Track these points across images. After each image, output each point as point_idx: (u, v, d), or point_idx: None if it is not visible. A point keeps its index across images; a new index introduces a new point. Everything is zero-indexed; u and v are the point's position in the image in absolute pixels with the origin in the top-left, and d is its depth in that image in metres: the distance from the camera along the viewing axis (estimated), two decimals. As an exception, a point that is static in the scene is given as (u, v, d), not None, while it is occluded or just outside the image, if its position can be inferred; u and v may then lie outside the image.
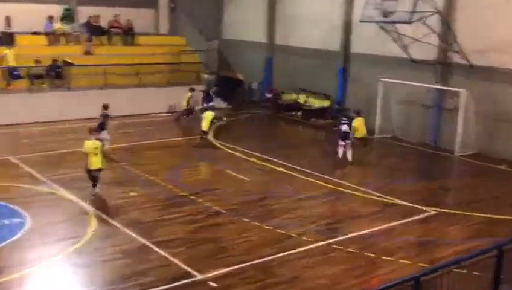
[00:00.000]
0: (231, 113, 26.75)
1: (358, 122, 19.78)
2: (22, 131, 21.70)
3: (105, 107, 18.95)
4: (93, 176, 14.52)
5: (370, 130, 22.60)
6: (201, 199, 14.74)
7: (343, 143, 19.02)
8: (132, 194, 14.98)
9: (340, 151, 19.05)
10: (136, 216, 13.49)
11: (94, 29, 27.15)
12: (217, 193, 15.42)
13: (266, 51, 29.09)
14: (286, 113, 27.04)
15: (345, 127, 18.99)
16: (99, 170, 14.58)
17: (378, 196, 15.55)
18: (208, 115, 20.80)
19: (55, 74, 24.57)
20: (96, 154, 14.39)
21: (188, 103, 24.13)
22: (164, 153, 19.38)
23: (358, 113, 20.00)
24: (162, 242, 12.02)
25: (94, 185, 14.61)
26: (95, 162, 14.41)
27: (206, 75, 27.38)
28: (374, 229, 13.19)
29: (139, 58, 26.89)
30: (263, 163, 18.48)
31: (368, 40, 23.96)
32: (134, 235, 12.35)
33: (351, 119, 19.44)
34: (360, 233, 12.92)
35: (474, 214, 14.42)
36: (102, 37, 27.69)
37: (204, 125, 20.69)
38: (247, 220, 13.45)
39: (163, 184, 15.77)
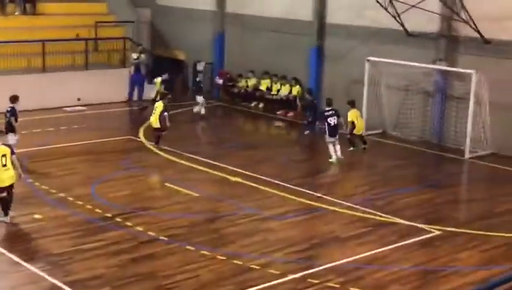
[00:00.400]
0: (169, 105, 26.59)
1: (355, 115, 20.57)
2: None
3: (14, 99, 18.30)
4: (4, 197, 14.17)
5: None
6: (131, 222, 14.61)
7: (332, 140, 19.51)
8: (37, 217, 14.74)
9: (332, 150, 19.56)
10: (43, 247, 13.28)
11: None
12: (153, 213, 15.31)
13: (215, 22, 29.10)
14: (243, 104, 27.11)
15: (333, 120, 19.58)
16: (11, 187, 14.26)
17: (367, 213, 15.72)
18: (159, 106, 20.68)
19: None
20: (4, 165, 14.04)
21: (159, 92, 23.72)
22: (81, 161, 19.16)
23: (353, 104, 20.69)
24: (78, 282, 11.86)
25: (6, 212, 14.23)
26: (5, 178, 14.05)
27: (135, 55, 27.20)
28: (361, 256, 13.28)
29: (44, 33, 26.53)
30: (214, 172, 18.47)
31: (350, 7, 24.24)
32: (40, 273, 12.12)
33: (337, 111, 19.97)
34: (344, 262, 12.99)
35: (491, 233, 14.73)
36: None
37: (153, 120, 20.59)
38: (192, 248, 13.39)
39: (79, 203, 15.59)
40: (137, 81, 27.11)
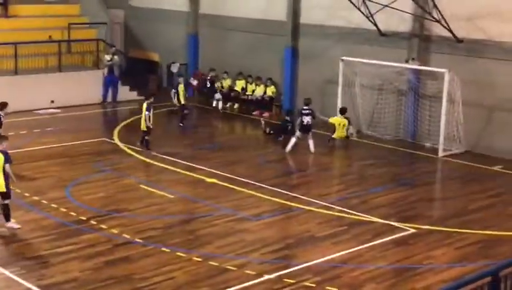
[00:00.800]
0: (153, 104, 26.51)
1: (338, 121, 21.62)
2: None
3: (3, 106, 18.61)
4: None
5: (330, 125, 22.98)
6: (106, 225, 14.55)
7: (302, 137, 20.27)
8: (11, 221, 14.61)
9: (293, 143, 20.33)
10: (17, 251, 13.18)
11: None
12: (127, 215, 15.25)
13: (189, 23, 29.05)
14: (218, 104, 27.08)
15: (307, 119, 20.39)
16: (3, 195, 14.03)
17: (342, 212, 15.81)
18: (143, 107, 20.49)
19: None
20: None
21: (181, 94, 23.80)
22: (55, 164, 19.02)
23: (343, 112, 21.80)
24: (53, 285, 11.78)
25: (7, 218, 14.06)
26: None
27: (108, 57, 27.08)
28: (336, 255, 13.36)
29: (16, 35, 26.30)
30: (189, 173, 18.44)
31: (324, 8, 24.36)
32: (14, 276, 12.03)
33: (313, 111, 20.71)
34: (319, 261, 13.06)
35: (464, 230, 14.88)
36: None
37: (142, 122, 20.45)
38: (168, 250, 13.36)
39: (53, 206, 15.48)
40: (111, 82, 27.05)
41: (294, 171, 19.56)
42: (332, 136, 21.84)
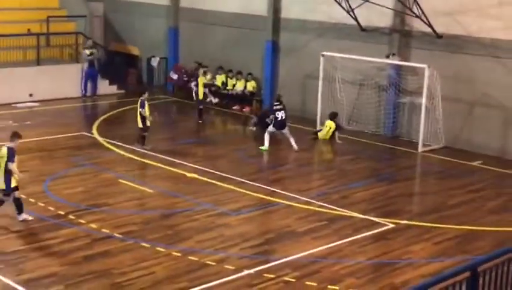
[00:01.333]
0: (123, 101, 26.46)
1: (329, 125, 21.78)
2: None
3: None
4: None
5: (310, 120, 23.10)
6: (85, 219, 14.50)
7: (277, 132, 20.32)
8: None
9: (268, 139, 20.28)
10: (-6, 246, 13.11)
11: None
12: (106, 210, 15.21)
13: (169, 16, 28.95)
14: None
15: (281, 114, 20.31)
16: (3, 192, 14.02)
17: (322, 207, 15.88)
18: (138, 104, 20.09)
19: None
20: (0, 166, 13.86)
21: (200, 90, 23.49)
22: (33, 158, 18.87)
23: (333, 116, 21.84)
24: (32, 281, 11.73)
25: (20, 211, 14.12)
26: None
27: (88, 51, 26.92)
28: (316, 250, 13.42)
29: (-7, 28, 26.12)
30: (169, 168, 18.42)
31: (305, 2, 24.40)
32: (-9, 272, 11.99)
33: (284, 106, 20.67)
34: (299, 256, 13.11)
35: (443, 225, 15.01)
36: None
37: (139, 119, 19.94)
38: (147, 245, 13.35)
39: (31, 200, 15.37)
40: (91, 76, 26.91)
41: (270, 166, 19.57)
42: (316, 134, 21.96)
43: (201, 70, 24.48)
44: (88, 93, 26.94)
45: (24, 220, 14.13)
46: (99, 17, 30.31)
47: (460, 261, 12.70)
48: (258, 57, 25.91)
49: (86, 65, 26.85)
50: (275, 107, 20.53)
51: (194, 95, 24.16)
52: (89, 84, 27.00)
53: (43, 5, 28.93)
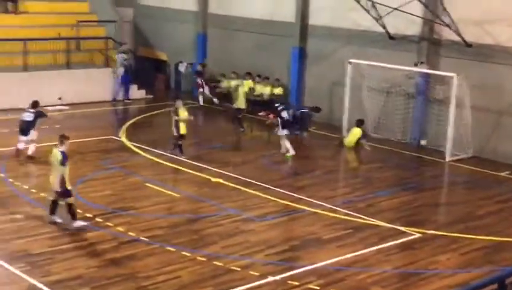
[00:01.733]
0: (151, 105, 26.59)
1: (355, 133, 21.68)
2: None
3: (36, 104, 19.10)
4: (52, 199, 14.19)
5: (336, 127, 23.03)
6: (112, 222, 14.56)
7: (286, 132, 20.38)
8: (17, 217, 14.66)
9: (289, 145, 20.30)
10: (22, 247, 13.16)
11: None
12: (133, 213, 15.26)
13: (198, 22, 29.04)
14: (225, 104, 27.06)
15: (286, 114, 20.52)
16: (59, 193, 14.10)
17: (348, 215, 15.78)
18: (185, 114, 19.87)
19: None
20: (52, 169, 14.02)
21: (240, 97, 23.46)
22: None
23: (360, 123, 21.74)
24: (59, 282, 11.78)
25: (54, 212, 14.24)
26: (50, 180, 14.12)
27: (124, 55, 27.17)
28: (341, 258, 13.33)
29: (25, 32, 26.34)
30: (195, 172, 18.45)
31: (332, 9, 24.32)
32: (19, 272, 12.04)
33: (287, 105, 21.26)
34: (324, 264, 13.03)
35: (470, 236, 14.83)
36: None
37: (183, 127, 19.70)
38: (173, 249, 13.36)
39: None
40: (124, 81, 27.09)
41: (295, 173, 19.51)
42: (342, 141, 21.87)
43: (239, 81, 24.55)
44: (119, 98, 27.10)
45: (77, 228, 14.03)
46: (128, 22, 30.54)
47: (488, 273, 12.55)
48: (285, 63, 25.89)
49: (121, 70, 27.04)
50: (279, 108, 20.70)
51: (232, 104, 24.13)
52: (123, 89, 27.13)
53: (73, 10, 29.19)
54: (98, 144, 20.86)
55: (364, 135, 21.82)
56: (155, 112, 25.62)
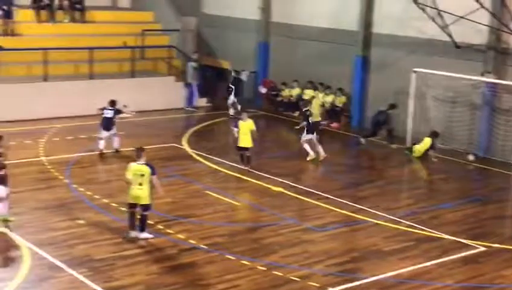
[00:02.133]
0: (212, 114, 26.76)
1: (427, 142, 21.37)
2: None
3: (114, 103, 20.78)
4: (131, 212, 14.07)
5: (399, 138, 22.74)
6: (172, 230, 14.68)
7: (310, 137, 20.51)
8: (80, 222, 14.92)
9: (309, 148, 20.46)
10: (85, 252, 13.40)
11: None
12: (194, 221, 15.36)
13: (260, 31, 29.14)
14: (286, 113, 27.08)
15: (311, 119, 20.75)
16: (145, 207, 14.03)
17: (410, 226, 15.54)
18: (249, 125, 19.31)
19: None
20: (140, 184, 13.85)
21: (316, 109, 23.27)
22: (125, 168, 19.15)
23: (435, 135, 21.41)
24: (119, 288, 11.95)
25: (134, 228, 14.05)
26: (139, 195, 13.93)
27: (194, 64, 27.59)
28: (403, 270, 13.15)
29: (91, 40, 26.91)
30: (256, 181, 18.46)
31: (396, 17, 24.06)
32: (81, 277, 12.25)
33: (310, 111, 21.33)
34: (385, 276, 12.87)
35: (537, 250, 14.45)
36: (42, 11, 27.66)
37: (247, 139, 19.20)
38: (233, 257, 13.39)
39: (122, 209, 15.64)
40: (197, 90, 27.42)
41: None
42: (411, 151, 21.57)
43: (317, 93, 24.86)
44: (195, 104, 27.58)
45: (142, 238, 14.04)
46: (191, 31, 30.84)
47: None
48: (347, 72, 25.72)
49: (192, 78, 27.48)
50: (307, 113, 20.84)
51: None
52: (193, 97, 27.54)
53: (138, 19, 29.67)
54: (160, 152, 21.09)
55: (434, 147, 21.43)
56: (217, 120, 25.78)
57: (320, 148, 20.60)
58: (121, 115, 20.97)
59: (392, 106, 22.74)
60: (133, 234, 14.06)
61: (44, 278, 12.24)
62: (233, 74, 27.97)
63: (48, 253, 13.21)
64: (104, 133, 20.35)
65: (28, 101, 23.90)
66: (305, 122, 20.80)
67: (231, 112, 26.13)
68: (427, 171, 20.79)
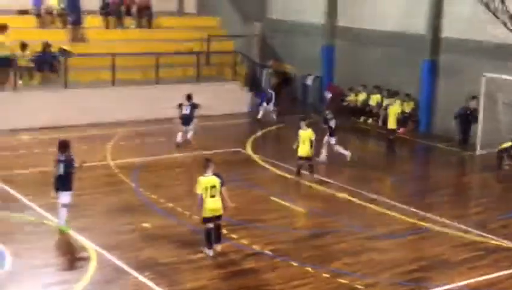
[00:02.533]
0: (277, 119, 26.72)
1: None
2: (1, 141, 22.17)
3: (190, 97, 22.19)
4: (210, 228, 13.63)
5: (470, 144, 22.27)
6: (237, 235, 14.70)
7: (334, 140, 20.56)
8: (145, 226, 15.08)
9: (342, 149, 20.56)
10: (149, 255, 13.53)
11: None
12: (259, 226, 15.36)
13: (325, 35, 29.01)
14: (352, 119, 26.84)
15: (333, 123, 20.71)
16: (218, 219, 13.79)
17: (479, 236, 15.17)
18: (309, 134, 18.99)
19: (49, 66, 25.09)
20: (213, 195, 13.58)
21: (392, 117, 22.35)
22: (190, 172, 19.43)
23: None
24: (183, 292, 12.04)
25: (210, 246, 13.64)
26: (217, 206, 13.66)
27: (268, 70, 27.86)
28: (472, 280, 12.85)
29: (157, 46, 27.26)
30: (321, 187, 18.34)
31: (466, 21, 23.62)
32: (146, 281, 12.36)
33: (333, 115, 21.14)
34: (454, 286, 12.60)
35: None
36: (110, 18, 28.21)
37: (306, 149, 18.96)
38: (296, 264, 13.31)
39: (187, 213, 15.79)
40: (263, 95, 27.52)
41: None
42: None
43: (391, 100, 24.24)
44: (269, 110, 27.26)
45: (218, 251, 13.82)
46: (257, 36, 30.94)
47: None
48: (415, 77, 25.35)
49: (268, 85, 27.79)
50: (328, 117, 20.78)
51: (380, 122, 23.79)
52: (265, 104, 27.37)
53: (204, 24, 29.93)
54: (225, 156, 21.14)
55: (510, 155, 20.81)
56: (281, 125, 25.74)
57: (325, 151, 20.65)
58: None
59: (474, 98, 22.29)
60: (218, 248, 13.77)
61: (110, 281, 12.41)
62: (273, 79, 28.07)
63: (113, 256, 13.39)
64: (184, 128, 21.93)
65: (95, 106, 24.35)
66: (327, 126, 20.78)
67: (259, 115, 26.29)
68: (497, 179, 20.24)
